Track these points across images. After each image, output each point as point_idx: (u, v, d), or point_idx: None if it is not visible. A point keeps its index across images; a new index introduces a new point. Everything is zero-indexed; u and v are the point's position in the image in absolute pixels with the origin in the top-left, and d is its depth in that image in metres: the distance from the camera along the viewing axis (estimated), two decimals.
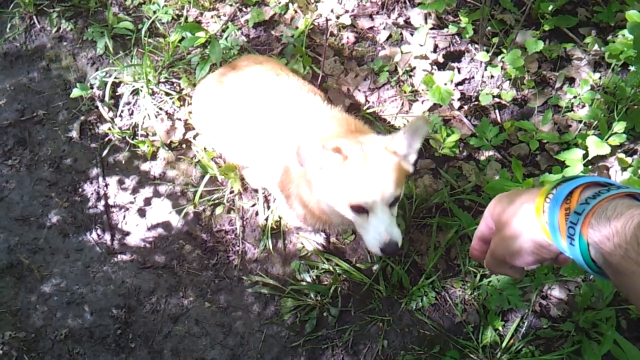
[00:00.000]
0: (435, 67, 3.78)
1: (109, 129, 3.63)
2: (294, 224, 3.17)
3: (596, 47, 3.84)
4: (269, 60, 3.09)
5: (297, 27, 3.83)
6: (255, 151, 2.81)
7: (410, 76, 3.77)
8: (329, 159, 2.16)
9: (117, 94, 3.74)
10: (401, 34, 3.91)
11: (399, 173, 2.20)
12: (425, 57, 3.72)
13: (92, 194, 3.49)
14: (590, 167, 3.36)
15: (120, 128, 3.64)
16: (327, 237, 3.33)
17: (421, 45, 3.70)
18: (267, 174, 2.81)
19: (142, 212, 3.46)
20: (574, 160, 3.03)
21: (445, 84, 3.42)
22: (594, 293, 3.09)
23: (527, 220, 1.08)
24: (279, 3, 3.95)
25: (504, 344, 3.10)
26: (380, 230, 2.17)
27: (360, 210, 2.19)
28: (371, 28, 3.96)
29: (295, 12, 3.93)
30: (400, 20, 3.96)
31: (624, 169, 3.47)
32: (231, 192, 3.44)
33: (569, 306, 3.20)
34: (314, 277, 3.26)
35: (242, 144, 2.88)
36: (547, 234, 1.04)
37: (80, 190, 3.50)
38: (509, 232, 1.12)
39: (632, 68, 3.59)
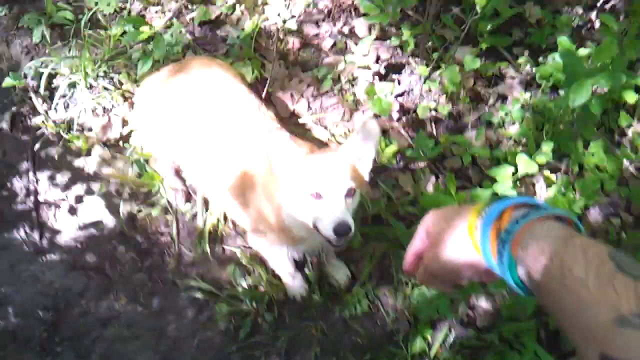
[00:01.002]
0: (376, 77, 3.85)
1: (43, 122, 3.49)
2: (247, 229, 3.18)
3: (528, 67, 4.02)
4: (221, 65, 3.08)
5: (243, 29, 3.81)
6: (204, 155, 2.82)
7: (353, 85, 3.83)
8: (295, 149, 2.37)
9: (52, 86, 3.60)
10: (345, 43, 3.97)
11: (353, 170, 2.40)
12: (368, 68, 3.79)
13: (21, 189, 3.36)
14: (518, 182, 3.51)
15: (54, 122, 3.51)
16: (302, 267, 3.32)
17: (364, 55, 3.76)
18: (215, 178, 2.80)
19: (73, 210, 3.36)
20: (504, 176, 3.18)
21: (386, 96, 3.51)
22: (518, 305, 3.24)
23: (461, 238, 1.13)
24: (226, 3, 3.91)
25: (432, 353, 3.22)
26: (334, 213, 2.29)
27: (319, 197, 2.32)
28: (316, 35, 3.99)
29: (242, 13, 3.91)
30: (345, 29, 4.01)
31: (548, 186, 3.66)
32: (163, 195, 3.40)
33: (493, 317, 3.35)
34: (250, 284, 3.26)
35: (188, 147, 2.85)
36: (478, 252, 1.09)
37: (8, 184, 3.36)
38: (445, 250, 1.17)
39: (561, 92, 3.79)
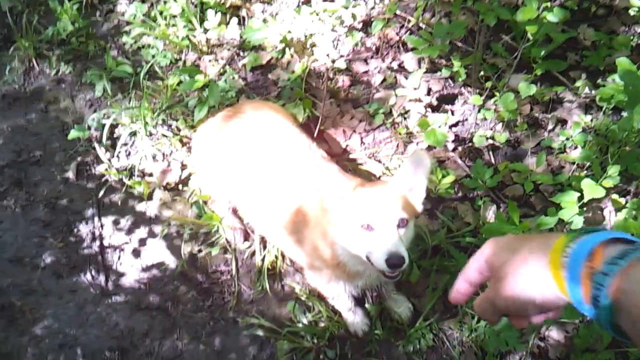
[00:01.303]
0: (429, 109, 3.84)
1: (106, 169, 3.64)
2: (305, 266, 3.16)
3: (587, 90, 3.92)
4: (272, 107, 3.17)
5: (293, 71, 3.90)
6: (258, 193, 2.88)
7: (405, 118, 3.82)
8: (344, 183, 2.38)
9: (114, 135, 3.77)
10: (395, 77, 3.99)
11: (404, 201, 2.38)
12: (419, 100, 3.78)
13: (87, 234, 3.48)
14: (584, 208, 3.37)
15: (117, 169, 3.66)
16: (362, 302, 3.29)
17: (415, 89, 3.77)
18: (270, 216, 2.84)
19: (136, 253, 3.44)
20: (569, 202, 3.05)
21: (440, 127, 3.47)
22: (593, 335, 3.06)
23: (538, 274, 1.03)
24: (276, 48, 4.02)
25: None
26: (386, 244, 2.25)
27: (370, 229, 2.30)
28: (366, 72, 4.03)
29: (292, 56, 4.01)
30: (394, 65, 4.04)
31: (617, 210, 3.49)
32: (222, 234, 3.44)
33: (567, 348, 3.17)
34: (311, 319, 3.22)
35: (243, 187, 2.92)
36: (563, 292, 1.00)
37: (75, 230, 3.49)
38: (515, 284, 1.07)
39: (624, 113, 3.66)
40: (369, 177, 2.85)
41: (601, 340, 3.09)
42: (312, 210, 2.63)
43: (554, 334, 3.18)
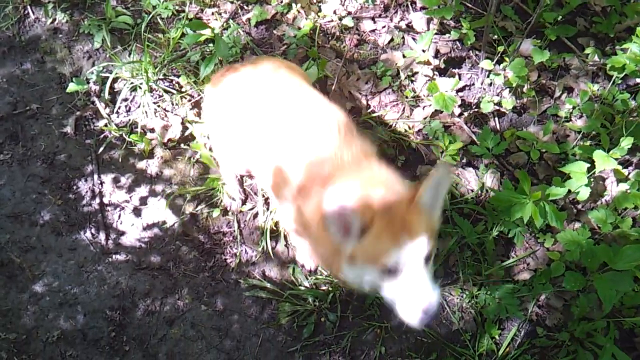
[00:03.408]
0: (436, 72, 3.76)
1: (106, 125, 3.54)
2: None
3: (595, 57, 3.86)
4: (292, 69, 2.92)
5: (299, 28, 3.79)
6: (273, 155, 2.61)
7: (412, 81, 3.75)
8: (355, 219, 1.94)
9: (114, 89, 3.65)
10: (403, 37, 3.89)
11: (429, 227, 2.02)
12: (428, 63, 3.70)
13: (86, 191, 3.41)
14: (592, 179, 3.36)
15: (116, 125, 3.56)
16: None
17: (424, 51, 3.68)
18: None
19: (137, 212, 3.39)
20: (577, 173, 3.04)
21: (447, 91, 3.42)
22: (590, 304, 3.11)
23: None
24: (282, 2, 3.89)
25: (500, 353, 3.12)
26: (417, 294, 1.95)
27: (392, 271, 1.97)
28: (373, 31, 3.93)
29: (298, 12, 3.88)
30: (402, 24, 3.93)
31: (620, 181, 3.50)
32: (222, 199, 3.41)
33: (564, 316, 3.23)
34: (312, 282, 3.23)
35: (259, 148, 2.70)
36: None
37: (74, 187, 3.42)
38: None
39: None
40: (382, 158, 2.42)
41: (597, 309, 3.15)
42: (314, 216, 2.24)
43: (553, 302, 3.23)
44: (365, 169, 2.32)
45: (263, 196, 3.36)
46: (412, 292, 1.95)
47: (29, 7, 3.84)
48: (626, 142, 3.05)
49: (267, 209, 3.35)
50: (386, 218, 1.96)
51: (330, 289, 3.18)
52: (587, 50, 3.86)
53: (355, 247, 2.00)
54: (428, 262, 2.01)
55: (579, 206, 3.48)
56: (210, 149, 3.43)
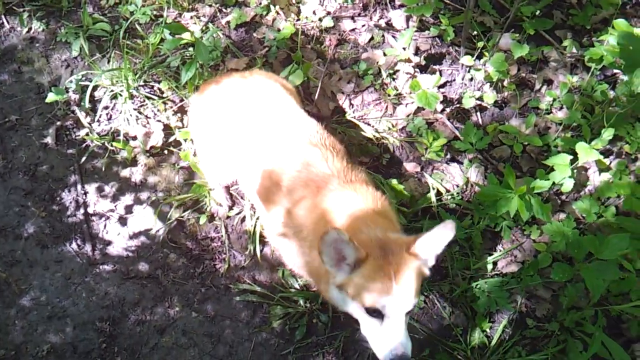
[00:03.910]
0: (417, 69, 3.78)
1: (87, 134, 3.51)
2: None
3: (573, 49, 3.91)
4: (278, 80, 2.98)
5: (279, 30, 3.78)
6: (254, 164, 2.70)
7: (394, 79, 3.76)
8: (350, 252, 2.00)
9: (94, 98, 3.61)
10: (383, 36, 3.90)
11: (419, 278, 2.10)
12: (409, 61, 3.72)
13: (70, 202, 3.37)
14: (575, 171, 3.40)
15: (98, 133, 3.53)
16: None
17: (404, 49, 3.70)
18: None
19: (123, 221, 3.36)
20: (561, 165, 3.07)
21: (429, 88, 3.43)
22: (578, 293, 3.15)
23: None
24: (260, 4, 3.88)
25: (491, 345, 3.14)
26: (394, 341, 2.04)
27: (376, 314, 2.06)
28: (353, 30, 3.93)
29: (277, 13, 3.87)
30: (382, 22, 3.95)
31: (602, 171, 3.55)
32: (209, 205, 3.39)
33: (553, 306, 3.26)
34: (302, 284, 3.23)
35: (243, 156, 2.77)
36: None
37: (57, 198, 3.38)
38: None
39: (619, 75, 3.67)
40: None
41: (585, 298, 3.19)
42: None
43: (541, 292, 3.26)
44: (364, 193, 2.38)
45: (249, 200, 3.34)
46: (388, 339, 2.03)
47: (3, 16, 3.79)
48: (607, 134, 3.09)
49: (254, 213, 3.34)
50: (381, 259, 2.03)
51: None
52: (565, 43, 3.90)
53: (346, 279, 2.07)
54: (409, 314, 2.10)
55: (563, 197, 3.52)
56: (195, 154, 3.41)
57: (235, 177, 3.11)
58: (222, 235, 3.33)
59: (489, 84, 3.75)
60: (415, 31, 3.86)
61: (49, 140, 3.49)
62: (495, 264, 3.32)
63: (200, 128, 2.99)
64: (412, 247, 2.07)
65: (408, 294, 2.02)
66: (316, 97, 3.56)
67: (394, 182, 3.36)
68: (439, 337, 3.16)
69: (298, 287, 3.22)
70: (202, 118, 2.94)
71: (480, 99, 3.72)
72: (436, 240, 2.08)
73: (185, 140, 3.47)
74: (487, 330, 3.21)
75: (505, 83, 3.75)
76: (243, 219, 3.37)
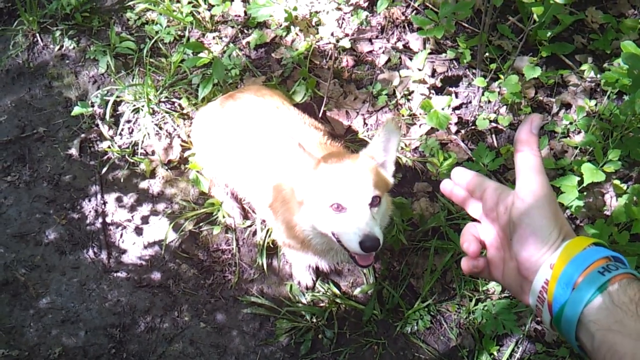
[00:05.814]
0: (433, 91, 3.82)
1: (109, 147, 3.65)
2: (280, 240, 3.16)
3: (592, 74, 3.88)
4: (272, 92, 3.11)
5: (297, 49, 3.87)
6: (250, 173, 2.84)
7: (408, 100, 3.80)
8: (307, 157, 2.28)
9: (117, 112, 3.77)
10: (400, 58, 3.96)
11: (377, 175, 2.28)
12: (424, 82, 3.76)
13: (90, 211, 3.50)
14: (585, 193, 3.37)
15: (119, 146, 3.67)
16: (316, 277, 3.34)
17: (420, 70, 3.74)
18: (260, 195, 2.82)
19: (139, 231, 3.47)
20: (569, 186, 3.05)
21: (443, 109, 3.46)
22: None
23: (540, 255, 1.06)
24: (281, 25, 3.99)
25: None
26: (359, 225, 2.12)
27: (340, 209, 2.19)
28: (370, 52, 4.00)
29: (297, 34, 3.97)
30: (399, 45, 4.01)
31: (619, 195, 3.49)
32: (223, 216, 3.46)
33: None
34: (310, 299, 3.26)
35: (238, 168, 2.90)
36: (551, 284, 1.02)
37: (78, 207, 3.51)
38: (520, 245, 1.08)
39: (627, 97, 3.62)
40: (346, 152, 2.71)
41: None
42: (285, 187, 2.53)
43: None
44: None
45: (259, 214, 3.41)
46: (354, 227, 2.13)
47: (37, 34, 3.99)
48: (613, 155, 3.07)
49: (265, 226, 3.40)
50: (333, 165, 2.27)
51: (327, 305, 3.21)
52: (583, 67, 3.88)
53: (307, 188, 2.30)
54: (376, 206, 2.21)
55: (577, 221, 3.48)
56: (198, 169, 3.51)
57: (237, 191, 3.22)
58: (232, 248, 3.40)
59: (505, 106, 3.75)
60: (432, 53, 3.91)
61: (73, 151, 3.65)
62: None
63: (202, 141, 3.15)
64: (364, 151, 2.36)
65: (365, 184, 2.18)
66: (324, 113, 3.63)
67: (400, 199, 3.38)
68: (445, 358, 3.14)
69: (305, 302, 3.26)
70: (203, 131, 3.11)
71: (496, 121, 3.72)
72: (384, 141, 2.31)
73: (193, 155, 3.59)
74: (495, 353, 3.17)
75: (521, 106, 3.75)
76: (254, 232, 3.44)
